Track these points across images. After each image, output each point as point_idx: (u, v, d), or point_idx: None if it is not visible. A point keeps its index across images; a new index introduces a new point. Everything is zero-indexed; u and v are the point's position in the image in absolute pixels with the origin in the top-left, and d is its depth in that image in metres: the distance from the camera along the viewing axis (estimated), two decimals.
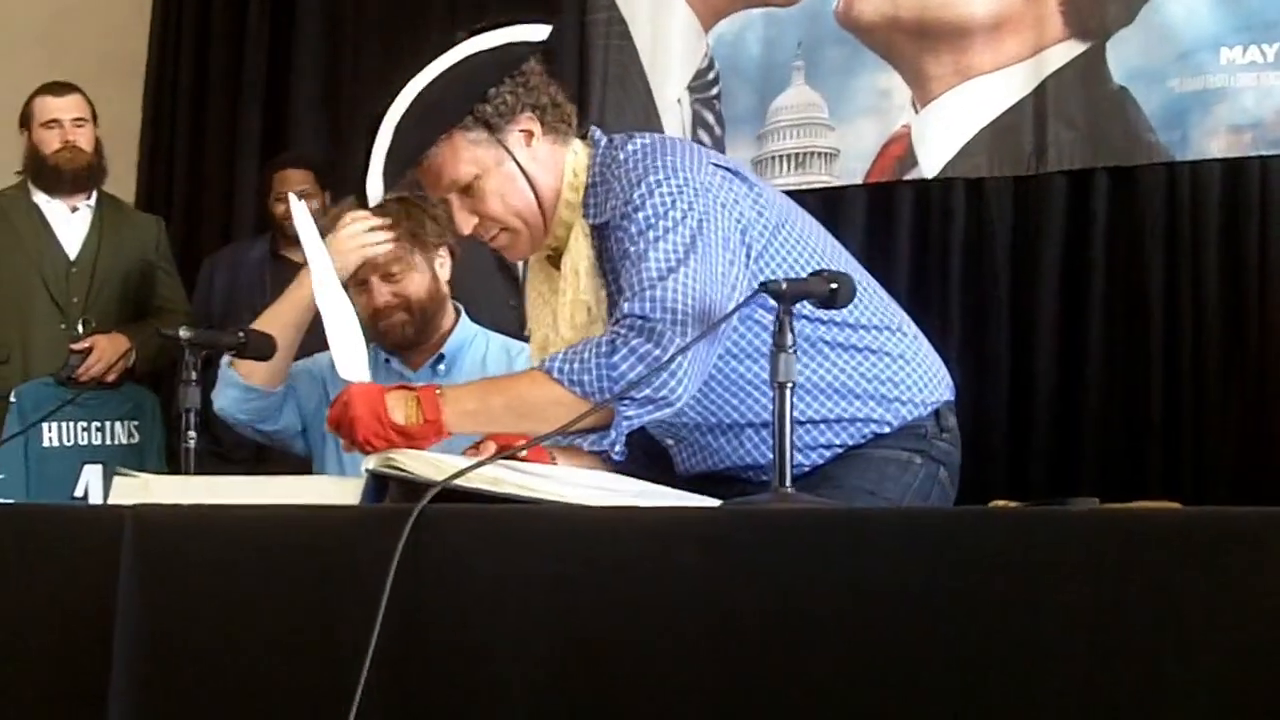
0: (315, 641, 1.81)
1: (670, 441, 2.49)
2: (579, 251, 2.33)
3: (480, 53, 2.33)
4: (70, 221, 4.46)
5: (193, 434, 2.45)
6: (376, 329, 2.95)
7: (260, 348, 2.71)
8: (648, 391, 2.14)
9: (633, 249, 2.22)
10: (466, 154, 2.31)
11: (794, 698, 1.54)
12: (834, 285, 2.08)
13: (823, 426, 2.35)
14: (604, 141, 2.39)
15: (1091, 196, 4.35)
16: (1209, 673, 1.33)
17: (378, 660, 1.66)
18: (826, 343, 2.34)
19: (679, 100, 4.86)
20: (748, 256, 2.29)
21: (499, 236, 2.38)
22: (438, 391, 2.19)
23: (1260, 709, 1.31)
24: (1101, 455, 4.24)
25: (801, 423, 2.30)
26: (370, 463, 2.07)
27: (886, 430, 2.37)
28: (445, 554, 1.75)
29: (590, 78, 4.90)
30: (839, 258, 2.44)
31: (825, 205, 4.47)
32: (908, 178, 4.55)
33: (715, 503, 2.05)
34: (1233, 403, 4.15)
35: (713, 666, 1.58)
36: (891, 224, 4.55)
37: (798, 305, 2.07)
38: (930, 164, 4.52)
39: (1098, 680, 1.37)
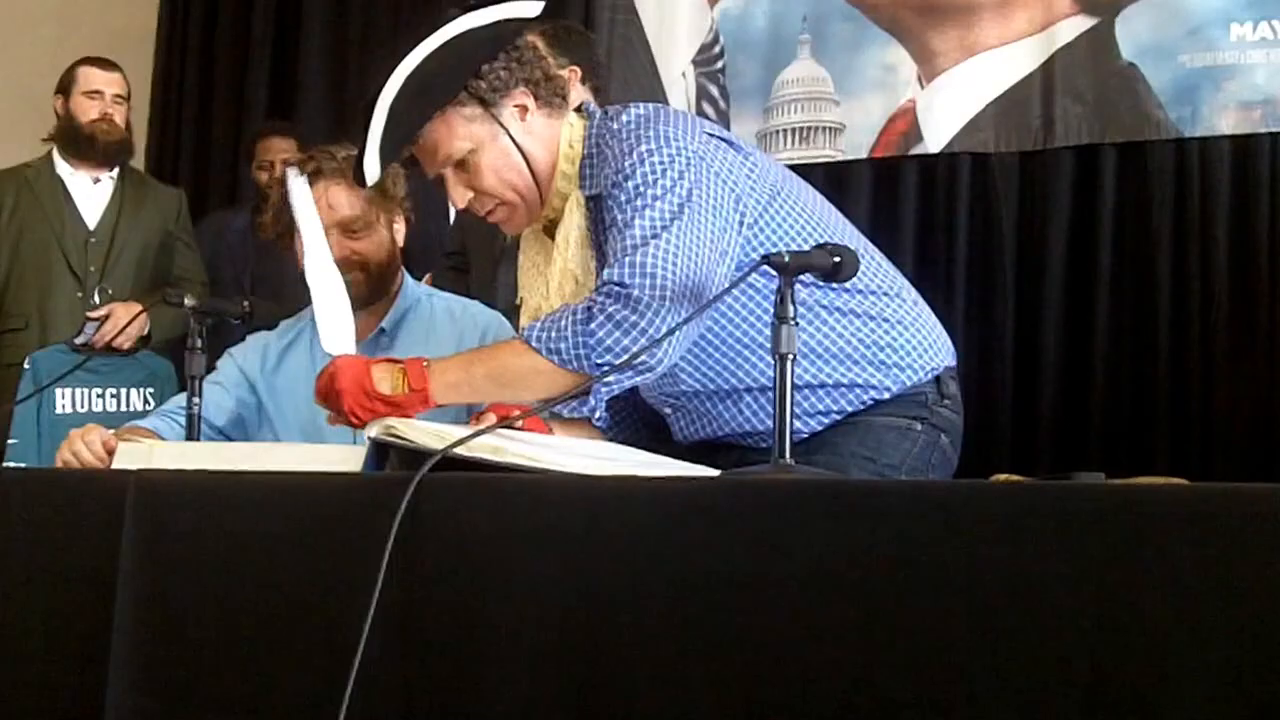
0: (315, 608, 1.81)
1: (668, 410, 2.48)
2: (571, 222, 2.33)
3: (473, 29, 2.34)
4: (92, 193, 4.48)
5: (197, 400, 2.46)
6: None
7: (266, 317, 2.70)
8: (626, 358, 2.14)
9: (620, 217, 2.23)
10: (461, 130, 2.32)
11: (794, 671, 1.53)
12: (837, 259, 2.07)
13: (820, 392, 2.35)
14: (599, 114, 2.40)
15: (1099, 172, 4.34)
16: (1219, 650, 1.31)
17: (377, 627, 1.66)
18: (824, 307, 2.34)
19: (684, 74, 4.85)
20: (741, 223, 2.29)
21: (495, 211, 2.39)
22: (425, 364, 2.20)
23: (1272, 688, 1.29)
24: (1107, 431, 4.24)
25: (799, 387, 2.30)
26: (372, 431, 2.07)
27: (886, 396, 2.37)
28: (445, 522, 1.75)
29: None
30: (837, 225, 2.43)
31: (830, 180, 4.47)
32: (913, 153, 4.54)
33: (716, 473, 2.04)
34: (1240, 380, 4.14)
35: (712, 637, 1.57)
36: (897, 199, 4.54)
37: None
38: (936, 139, 4.51)
39: (1105, 655, 1.36)
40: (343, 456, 2.11)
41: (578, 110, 2.42)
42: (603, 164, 2.32)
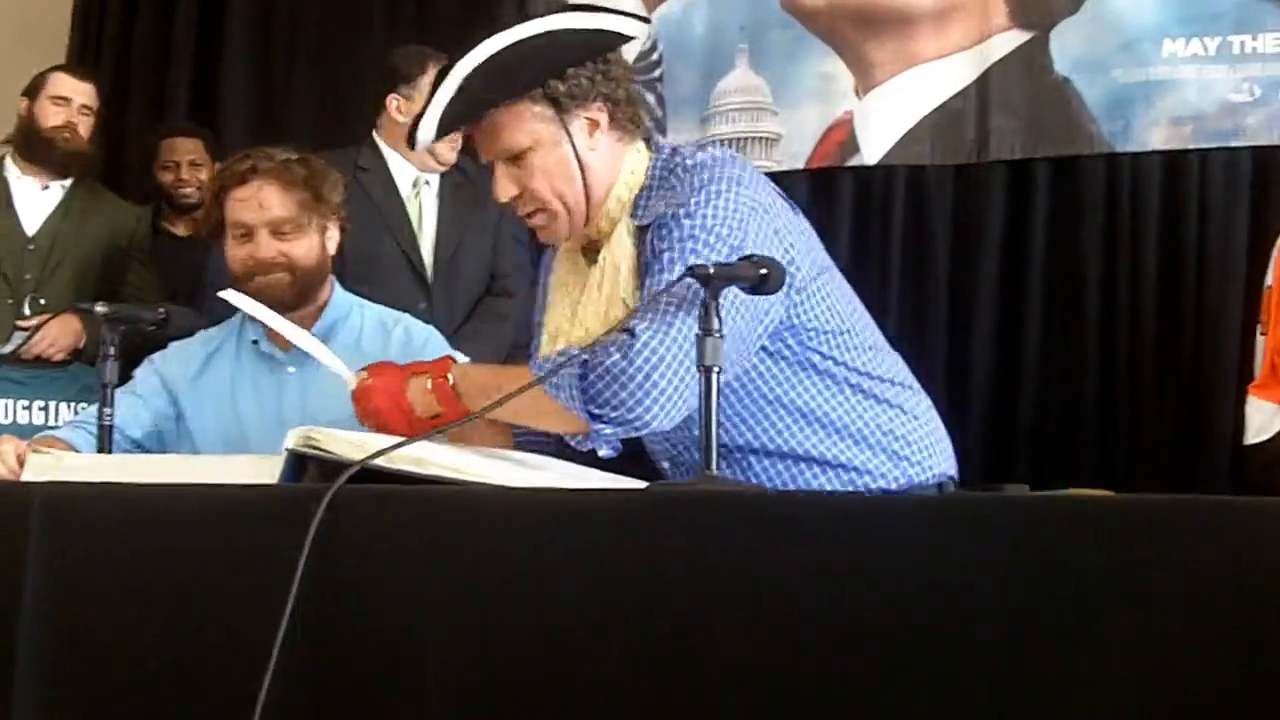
0: (226, 624, 1.77)
1: (665, 464, 2.40)
2: (623, 250, 2.26)
3: (569, 29, 2.27)
4: (37, 199, 4.34)
5: (109, 410, 2.41)
6: (251, 284, 2.86)
7: (182, 324, 2.66)
8: (621, 411, 2.09)
9: (668, 253, 2.16)
10: (527, 125, 2.26)
11: (714, 681, 1.52)
12: (764, 271, 2.06)
13: (833, 472, 2.30)
14: (667, 149, 2.34)
15: (1032, 186, 4.37)
16: (1118, 660, 1.33)
17: (289, 643, 1.63)
18: (851, 386, 2.30)
19: None
20: (790, 287, 2.21)
21: (536, 215, 2.32)
22: (451, 383, 2.21)
23: (1168, 697, 1.31)
24: (1037, 443, 4.26)
25: (813, 460, 2.28)
26: (290, 442, 2.03)
27: (893, 488, 2.32)
28: (362, 535, 1.72)
29: None
30: (867, 316, 2.40)
31: None
32: (849, 164, 4.55)
33: (642, 485, 2.02)
34: (1168, 392, 4.18)
35: (632, 649, 1.56)
36: (832, 210, 4.54)
37: (831, 348, 2.22)
38: (872, 151, 4.52)
39: (1009, 665, 1.37)
40: (259, 468, 2.07)
41: (646, 141, 2.36)
42: (662, 197, 2.26)
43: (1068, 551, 1.37)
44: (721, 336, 1.93)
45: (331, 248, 2.94)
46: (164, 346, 2.96)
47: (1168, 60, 4.26)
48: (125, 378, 2.77)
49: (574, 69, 2.25)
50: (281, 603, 1.63)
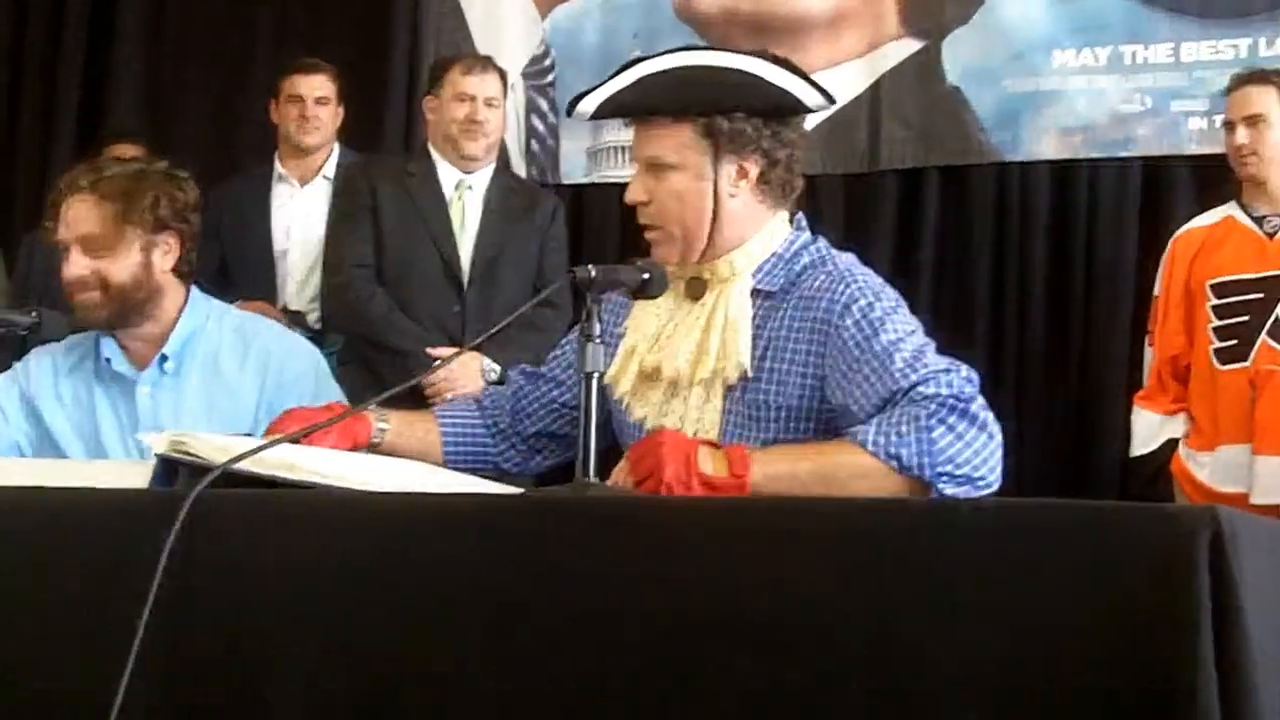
0: (82, 633, 1.70)
1: None
2: (740, 308, 2.27)
3: (759, 79, 2.28)
4: None
5: None
6: (74, 304, 2.75)
7: (56, 329, 2.58)
8: (966, 470, 2.08)
9: (875, 341, 2.18)
10: (680, 145, 2.26)
11: (579, 692, 1.50)
12: (646, 275, 2.08)
13: None
14: (810, 235, 2.35)
15: (922, 195, 4.40)
16: (985, 666, 1.33)
17: (146, 651, 1.58)
18: None
19: (513, 86, 4.79)
20: None
21: (652, 231, 2.31)
22: (748, 451, 2.12)
23: (1033, 704, 1.31)
24: None
25: None
26: (160, 446, 1.98)
27: None
28: (223, 540, 1.67)
29: (421, 62, 4.81)
30: None
31: None
32: None
33: (518, 491, 2.00)
34: (1056, 401, 4.21)
35: (498, 659, 1.53)
36: None
37: None
38: None
39: (873, 671, 1.37)
40: (132, 473, 2.02)
41: (792, 217, 2.36)
42: (793, 275, 2.28)
43: (935, 557, 1.37)
44: (603, 342, 1.92)
45: (167, 264, 2.76)
46: (25, 348, 2.84)
47: (1058, 70, 4.31)
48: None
49: (744, 115, 2.26)
50: (140, 608, 1.58)
